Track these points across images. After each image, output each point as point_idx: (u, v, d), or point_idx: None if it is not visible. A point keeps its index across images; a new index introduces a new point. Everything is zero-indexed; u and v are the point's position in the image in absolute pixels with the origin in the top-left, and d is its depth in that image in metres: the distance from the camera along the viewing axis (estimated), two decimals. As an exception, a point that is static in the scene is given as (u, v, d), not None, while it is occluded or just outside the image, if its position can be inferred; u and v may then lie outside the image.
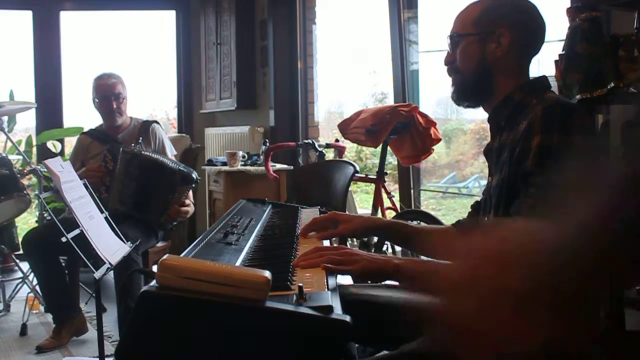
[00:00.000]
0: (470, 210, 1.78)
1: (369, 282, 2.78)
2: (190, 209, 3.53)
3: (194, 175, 3.39)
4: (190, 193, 3.55)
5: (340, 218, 1.76)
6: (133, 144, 3.45)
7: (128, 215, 3.26)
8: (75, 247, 2.24)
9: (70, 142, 3.97)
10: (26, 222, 5.81)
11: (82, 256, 2.29)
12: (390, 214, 3.65)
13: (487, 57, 1.54)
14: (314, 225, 1.75)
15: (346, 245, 3.38)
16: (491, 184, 1.57)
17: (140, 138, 3.61)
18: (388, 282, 1.70)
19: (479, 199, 1.74)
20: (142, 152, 3.37)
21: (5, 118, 4.52)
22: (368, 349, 1.81)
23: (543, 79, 1.56)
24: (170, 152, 3.72)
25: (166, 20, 6.00)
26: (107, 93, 3.60)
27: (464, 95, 1.61)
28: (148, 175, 3.32)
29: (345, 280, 3.36)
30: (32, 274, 3.72)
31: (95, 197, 2.52)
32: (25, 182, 4.03)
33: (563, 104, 1.44)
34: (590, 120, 1.46)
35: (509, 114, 1.52)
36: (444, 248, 0.83)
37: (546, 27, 1.58)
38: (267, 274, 1.13)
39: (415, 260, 1.49)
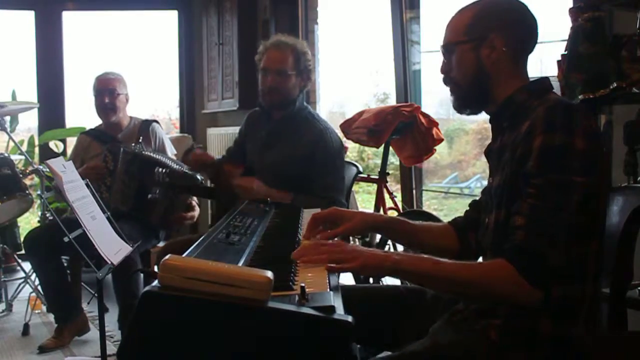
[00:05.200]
0: (468, 208, 1.78)
1: (370, 279, 2.78)
2: (196, 213, 3.54)
3: (198, 176, 3.39)
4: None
5: (341, 214, 1.76)
6: (134, 144, 3.45)
7: (127, 214, 3.26)
8: (77, 247, 2.24)
9: (73, 142, 3.97)
10: (28, 222, 5.81)
11: (84, 256, 2.29)
12: (392, 215, 3.65)
13: (483, 62, 1.53)
14: (315, 221, 1.75)
15: (349, 242, 3.37)
16: (492, 184, 1.57)
17: (141, 137, 3.61)
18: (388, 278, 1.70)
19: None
20: (143, 152, 3.37)
21: (8, 118, 4.53)
22: (370, 349, 1.81)
23: (544, 81, 1.55)
24: (170, 151, 3.72)
25: (168, 20, 6.01)
26: (101, 88, 3.60)
27: (464, 104, 1.61)
28: (149, 175, 3.31)
29: (348, 280, 3.36)
30: (34, 274, 3.73)
31: (97, 197, 2.51)
32: (27, 182, 4.03)
33: (565, 104, 1.43)
34: (593, 120, 1.45)
35: (511, 115, 1.52)
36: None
37: (537, 25, 1.57)
38: (270, 274, 1.13)
39: (414, 256, 1.48)
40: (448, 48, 1.58)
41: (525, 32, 1.56)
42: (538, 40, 1.58)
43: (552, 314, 1.38)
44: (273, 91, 2.81)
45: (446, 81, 1.62)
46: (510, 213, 1.42)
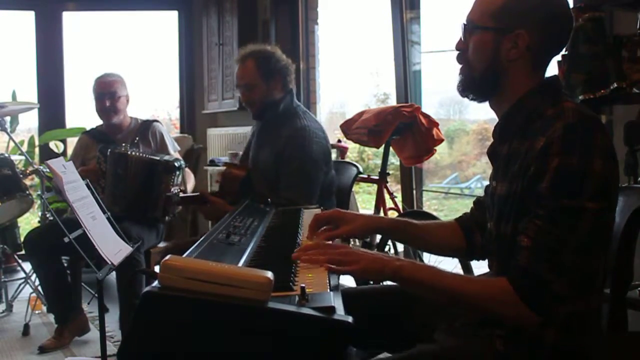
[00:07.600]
0: (472, 206, 1.77)
1: (371, 282, 2.77)
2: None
3: (177, 163, 3.35)
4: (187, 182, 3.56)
5: (343, 216, 1.74)
6: (124, 144, 3.44)
7: (127, 214, 3.25)
8: (78, 247, 2.24)
9: (73, 143, 3.97)
10: (28, 223, 5.81)
11: (85, 256, 2.29)
12: (392, 215, 3.65)
13: (500, 55, 1.44)
14: (317, 222, 1.74)
15: (349, 244, 3.38)
16: (494, 189, 1.52)
17: (137, 138, 3.60)
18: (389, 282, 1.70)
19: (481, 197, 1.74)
20: (128, 151, 3.35)
21: (8, 118, 4.53)
22: (369, 350, 1.81)
23: (554, 80, 1.49)
24: (173, 148, 3.71)
25: (168, 20, 6.01)
26: (102, 91, 3.59)
27: (470, 88, 1.52)
28: (136, 174, 3.31)
29: (348, 281, 3.36)
30: (34, 274, 3.73)
31: (98, 197, 2.51)
32: (27, 182, 4.03)
33: (584, 122, 1.34)
34: (609, 137, 1.37)
35: (522, 121, 1.44)
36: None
37: (572, 30, 1.48)
38: (270, 274, 1.13)
39: (416, 264, 1.46)
40: (469, 27, 1.48)
41: (555, 37, 1.45)
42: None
43: (556, 326, 1.34)
44: (249, 105, 2.92)
45: (459, 59, 1.52)
46: (517, 230, 1.37)
